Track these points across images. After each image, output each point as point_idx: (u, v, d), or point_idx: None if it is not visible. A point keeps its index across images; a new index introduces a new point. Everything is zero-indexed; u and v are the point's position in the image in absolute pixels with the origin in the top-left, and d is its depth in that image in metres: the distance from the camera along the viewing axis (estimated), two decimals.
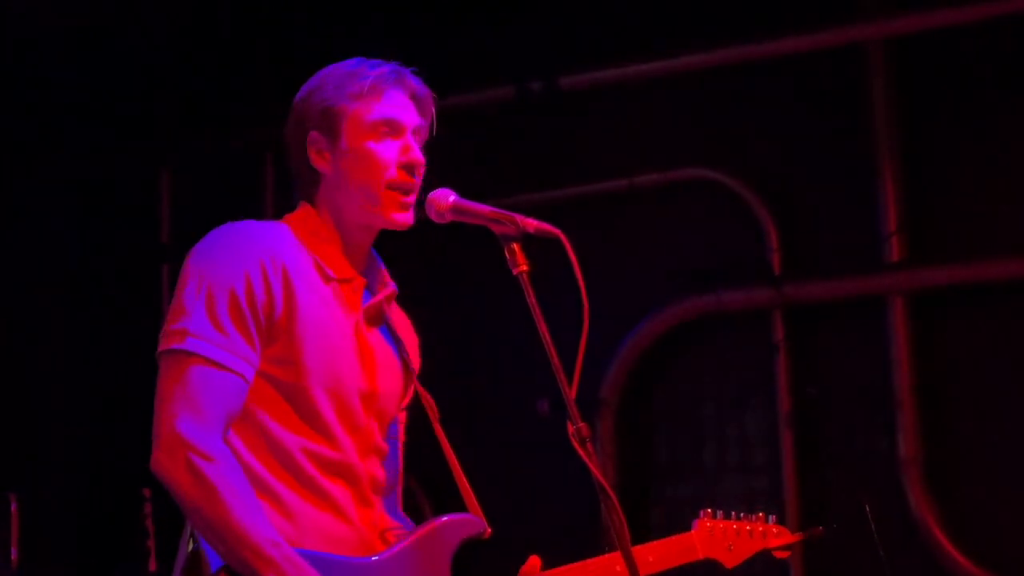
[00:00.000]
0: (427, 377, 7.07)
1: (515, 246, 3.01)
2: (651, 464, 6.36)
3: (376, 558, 3.01)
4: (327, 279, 3.05)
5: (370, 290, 3.15)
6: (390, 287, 3.17)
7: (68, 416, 6.87)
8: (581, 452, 2.94)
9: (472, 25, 6.59)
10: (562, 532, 6.33)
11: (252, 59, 6.98)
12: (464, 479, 3.21)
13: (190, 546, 2.90)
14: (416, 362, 3.26)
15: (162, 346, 2.88)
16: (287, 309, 2.95)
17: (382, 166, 3.07)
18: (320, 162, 3.08)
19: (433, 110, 3.19)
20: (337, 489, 3.00)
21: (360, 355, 3.07)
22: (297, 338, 2.96)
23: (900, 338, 5.85)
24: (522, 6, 6.54)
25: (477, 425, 6.60)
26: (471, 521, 3.15)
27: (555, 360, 3.02)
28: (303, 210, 3.12)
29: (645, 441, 6.38)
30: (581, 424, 2.97)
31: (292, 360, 2.96)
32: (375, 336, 3.13)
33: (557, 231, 3.03)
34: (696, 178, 6.26)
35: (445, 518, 3.13)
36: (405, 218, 3.10)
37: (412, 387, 3.21)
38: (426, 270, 6.58)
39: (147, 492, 5.96)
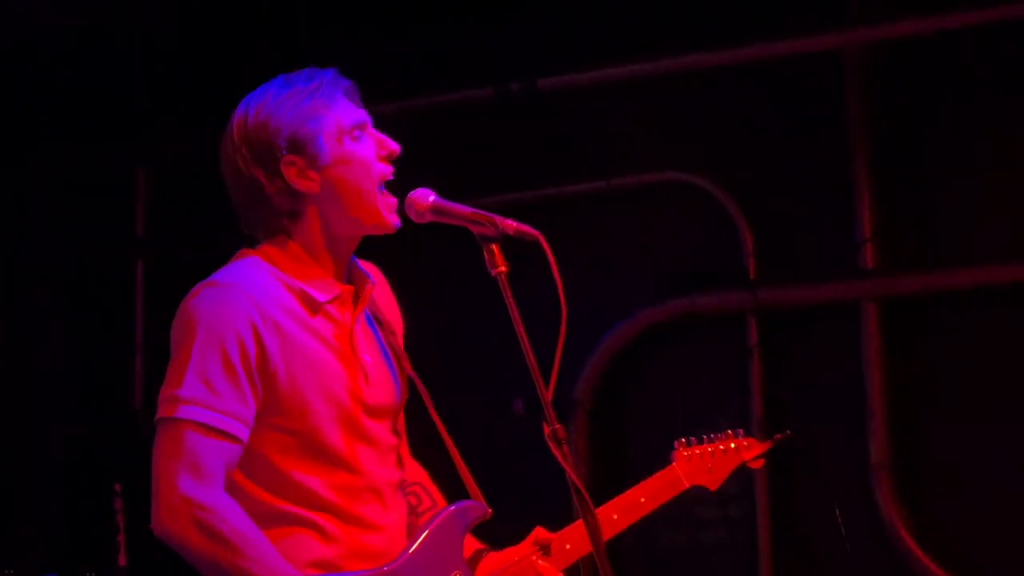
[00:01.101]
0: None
1: (494, 247, 3.03)
2: (623, 465, 6.38)
3: (394, 564, 3.07)
4: (314, 309, 3.06)
5: (356, 295, 3.16)
6: (369, 281, 3.17)
7: (42, 410, 6.85)
8: (557, 453, 2.97)
9: (451, 26, 6.60)
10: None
11: (231, 58, 6.96)
12: (461, 462, 3.26)
13: None
14: (400, 337, 3.28)
15: (158, 414, 2.94)
16: (285, 359, 2.97)
17: (370, 162, 3.09)
18: (304, 183, 3.05)
19: (359, 97, 3.18)
20: (366, 508, 3.06)
21: (361, 370, 3.09)
22: (299, 385, 2.99)
23: (873, 344, 5.88)
24: (502, 8, 6.55)
25: (453, 424, 6.61)
26: (473, 506, 3.22)
27: (531, 361, 3.04)
28: (279, 242, 3.09)
29: (618, 443, 6.40)
30: (557, 425, 3.00)
31: (299, 407, 2.99)
32: (370, 340, 3.16)
33: (536, 233, 3.05)
34: (673, 181, 6.28)
35: (451, 508, 3.20)
36: (395, 220, 3.13)
37: (404, 372, 3.23)
38: (404, 268, 6.59)
39: (118, 487, 5.95)
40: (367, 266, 3.25)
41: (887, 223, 5.92)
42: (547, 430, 2.99)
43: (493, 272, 3.04)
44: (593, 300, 6.07)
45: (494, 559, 3.29)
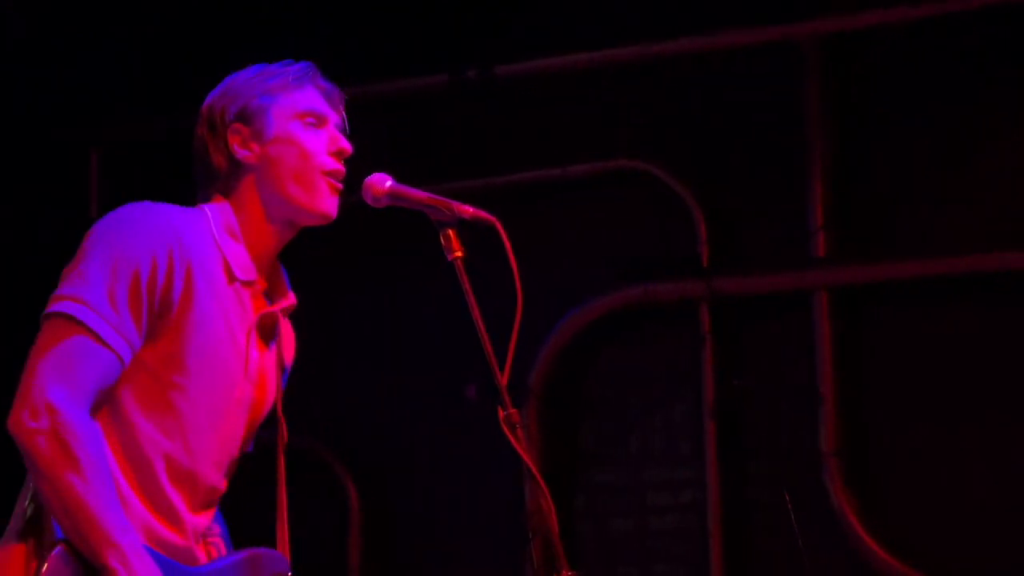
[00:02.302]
0: (358, 361, 7.06)
1: (450, 232, 3.04)
2: (576, 452, 6.41)
3: (202, 569, 2.97)
4: (231, 279, 3.01)
5: (268, 296, 3.11)
6: (290, 299, 3.13)
7: None
8: (511, 438, 2.97)
9: (407, 11, 6.60)
10: (486, 517, 6.38)
11: (185, 44, 6.94)
12: (285, 513, 3.15)
13: (29, 510, 2.83)
14: (285, 377, 3.21)
15: (50, 307, 2.82)
16: (183, 303, 2.90)
17: (312, 150, 3.06)
18: (245, 152, 3.04)
19: (343, 108, 3.17)
20: (177, 496, 2.95)
21: (246, 361, 3.03)
22: (185, 334, 2.91)
23: (824, 333, 5.92)
24: None
25: (404, 409, 6.63)
26: (279, 558, 3.10)
27: (487, 346, 3.05)
28: (219, 204, 3.06)
29: (570, 429, 6.43)
30: (512, 410, 3.01)
31: (175, 355, 2.91)
32: (263, 345, 3.10)
33: (492, 218, 3.06)
34: (627, 169, 6.30)
35: (263, 550, 3.09)
36: (333, 205, 3.09)
37: (279, 402, 3.16)
38: (357, 253, 6.60)
39: None
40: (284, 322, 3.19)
41: (839, 212, 5.97)
42: (501, 414, 3.00)
43: (449, 257, 3.04)
44: (547, 288, 6.08)
45: None
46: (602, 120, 6.41)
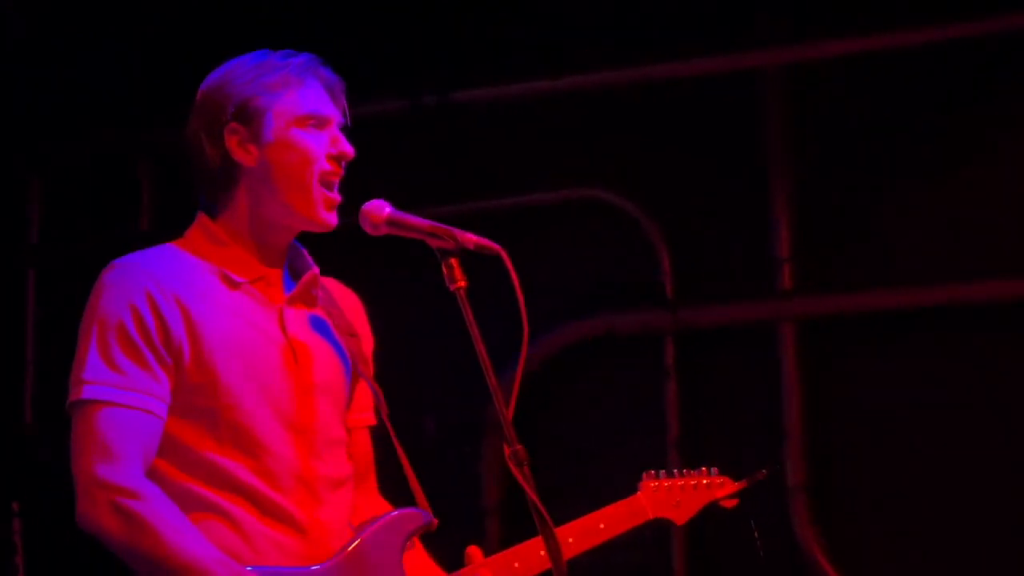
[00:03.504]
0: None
1: (453, 261, 2.98)
2: (535, 487, 6.28)
3: (323, 566, 2.91)
4: (234, 285, 2.95)
5: (292, 278, 3.05)
6: (311, 270, 3.07)
7: None
8: (517, 474, 2.93)
9: (366, 36, 6.48)
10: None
11: (128, 64, 6.80)
12: (411, 470, 3.14)
13: None
14: (366, 342, 3.16)
15: (67, 400, 2.84)
16: (189, 333, 2.85)
17: (312, 157, 2.99)
18: (242, 154, 2.97)
19: (344, 99, 3.11)
20: (290, 501, 2.90)
21: (290, 350, 2.96)
22: (207, 359, 2.86)
23: (790, 365, 5.86)
24: (417, 19, 6.46)
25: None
26: (416, 513, 3.09)
27: (492, 380, 3.01)
28: (198, 223, 3.01)
29: (530, 464, 6.30)
30: (518, 447, 2.95)
31: (209, 383, 2.86)
32: (305, 324, 3.03)
33: (497, 247, 3.00)
34: (589, 199, 6.22)
35: (392, 514, 3.07)
36: (331, 218, 3.03)
37: (357, 369, 3.10)
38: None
39: (15, 506, 5.75)
40: (333, 284, 3.15)
41: (805, 243, 5.92)
42: (507, 451, 2.95)
43: (452, 287, 3.00)
44: (507, 319, 5.97)
45: None
46: (562, 148, 6.33)
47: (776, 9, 6.00)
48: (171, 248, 2.99)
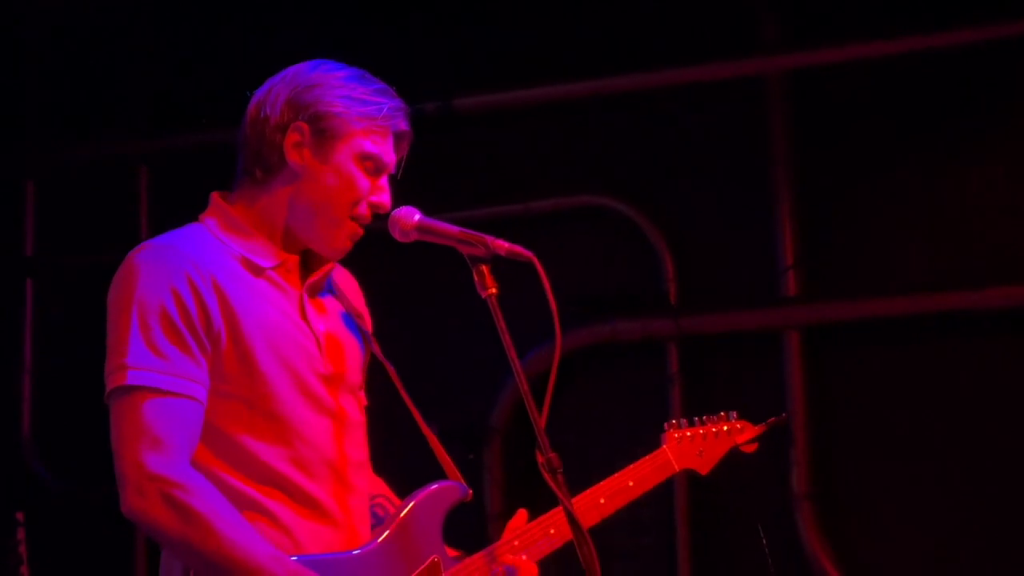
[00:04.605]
0: None
1: (484, 268, 2.99)
2: (538, 493, 6.27)
3: (369, 547, 2.93)
4: (258, 271, 2.95)
5: (306, 265, 3.05)
6: (327, 260, 3.08)
7: None
8: (551, 482, 2.93)
9: (366, 45, 6.46)
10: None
11: (126, 71, 6.77)
12: (439, 444, 3.15)
13: None
14: (368, 322, 3.17)
15: (107, 387, 2.79)
16: (226, 318, 2.84)
17: (358, 196, 3.01)
18: (295, 155, 2.97)
19: (406, 149, 3.14)
20: (321, 489, 2.90)
21: (313, 337, 2.97)
22: (245, 345, 2.85)
23: (795, 373, 5.86)
24: (418, 27, 6.44)
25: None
26: (454, 486, 3.10)
27: (524, 386, 3.00)
28: (214, 206, 3.01)
29: (533, 469, 6.29)
30: (552, 454, 2.94)
31: (247, 370, 2.85)
32: (323, 310, 3.04)
33: (529, 253, 3.00)
34: (592, 206, 6.21)
35: (431, 487, 3.07)
36: (346, 249, 3.04)
37: (369, 349, 3.12)
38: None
39: (20, 516, 5.71)
40: (337, 268, 3.15)
41: (809, 251, 5.91)
42: (541, 459, 2.95)
43: (484, 294, 3.00)
44: (512, 325, 5.95)
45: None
46: (565, 155, 6.32)
47: (779, 16, 6.01)
48: (199, 229, 2.97)
